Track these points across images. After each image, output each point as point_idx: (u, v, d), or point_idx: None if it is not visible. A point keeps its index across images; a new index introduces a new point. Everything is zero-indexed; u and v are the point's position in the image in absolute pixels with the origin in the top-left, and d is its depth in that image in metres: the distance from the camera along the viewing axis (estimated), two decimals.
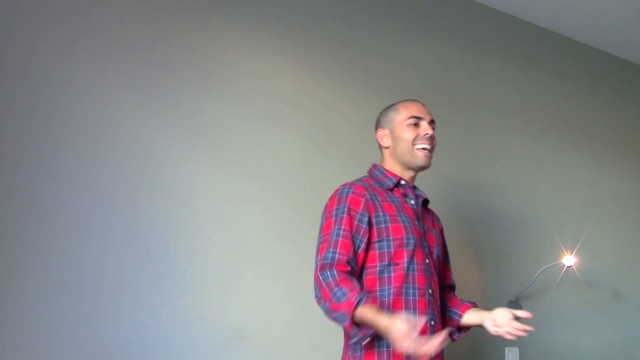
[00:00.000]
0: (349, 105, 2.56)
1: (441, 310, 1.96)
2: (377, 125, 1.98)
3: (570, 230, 3.03)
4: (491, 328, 1.85)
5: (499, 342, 2.76)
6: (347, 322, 1.61)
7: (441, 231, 2.04)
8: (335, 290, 1.64)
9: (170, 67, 2.24)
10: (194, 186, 2.20)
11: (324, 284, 1.66)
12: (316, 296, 1.69)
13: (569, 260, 2.87)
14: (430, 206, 2.05)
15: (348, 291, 1.62)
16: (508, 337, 1.82)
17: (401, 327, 1.54)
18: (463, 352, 2.67)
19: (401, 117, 1.92)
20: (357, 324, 1.62)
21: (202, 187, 2.22)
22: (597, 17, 3.23)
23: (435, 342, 1.54)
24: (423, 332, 1.73)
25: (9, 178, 1.93)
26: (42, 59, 2.04)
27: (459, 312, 1.96)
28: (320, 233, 1.79)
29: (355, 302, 1.60)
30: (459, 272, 2.72)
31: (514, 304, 2.82)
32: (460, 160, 2.87)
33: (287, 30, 2.51)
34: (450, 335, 1.95)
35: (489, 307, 2.76)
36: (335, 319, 1.65)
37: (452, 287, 2.05)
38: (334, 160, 2.16)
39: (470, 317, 1.94)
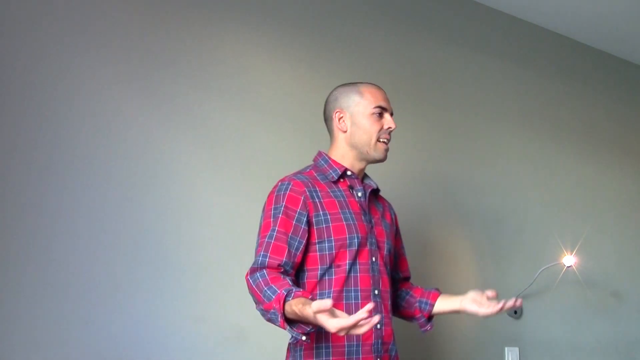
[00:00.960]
0: None
1: (397, 305, 1.89)
2: (334, 104, 1.82)
3: (570, 230, 3.03)
4: (480, 310, 1.76)
5: (499, 342, 2.77)
6: (279, 320, 1.49)
7: (393, 221, 1.91)
8: (265, 289, 1.54)
9: (169, 63, 2.24)
10: (193, 185, 2.20)
11: (254, 286, 1.58)
12: (254, 302, 1.60)
13: (569, 260, 2.87)
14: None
15: (278, 288, 1.52)
16: (494, 311, 1.73)
17: (315, 308, 1.39)
18: (463, 352, 2.67)
19: (366, 103, 1.78)
20: (290, 321, 1.51)
21: (202, 186, 2.21)
22: (597, 17, 3.23)
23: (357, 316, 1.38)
24: (367, 337, 1.65)
25: (9, 178, 1.92)
26: (43, 60, 2.04)
27: (429, 301, 1.86)
28: (258, 234, 1.69)
29: (284, 296, 1.49)
30: (458, 272, 2.73)
31: None
32: (460, 160, 2.87)
33: (288, 30, 2.51)
34: (422, 326, 1.89)
35: None
36: (270, 320, 1.54)
37: (407, 279, 1.96)
38: None
39: (443, 304, 1.84)
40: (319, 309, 1.38)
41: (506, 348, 2.77)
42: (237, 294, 2.18)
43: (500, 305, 1.73)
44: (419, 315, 1.88)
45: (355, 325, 1.38)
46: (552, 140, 3.19)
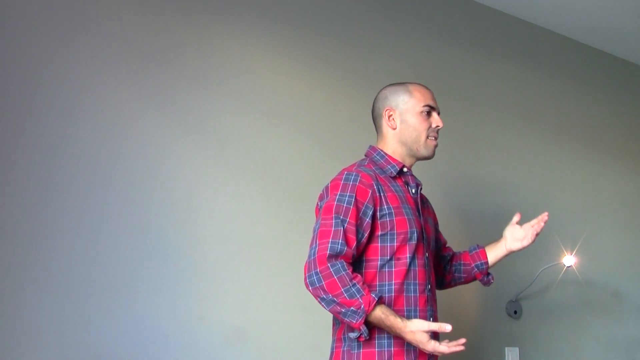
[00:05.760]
0: (349, 103, 2.56)
1: (457, 278, 2.04)
2: (384, 102, 1.89)
3: (570, 230, 3.03)
4: (522, 243, 1.98)
5: (499, 342, 2.77)
6: (359, 320, 1.58)
7: (434, 216, 2.02)
8: (349, 286, 1.59)
9: (171, 64, 2.24)
10: (194, 185, 2.20)
11: (336, 277, 1.59)
12: (312, 284, 1.61)
13: (569, 260, 2.87)
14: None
15: (361, 288, 1.59)
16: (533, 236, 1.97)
17: (421, 329, 1.60)
18: (463, 352, 2.67)
19: (415, 102, 1.86)
20: (367, 322, 1.60)
21: (202, 185, 2.22)
22: (597, 17, 3.23)
23: (454, 345, 1.61)
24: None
25: (6, 177, 1.92)
26: (39, 56, 2.04)
27: (482, 260, 2.01)
28: (320, 215, 1.71)
29: (375, 301, 1.58)
30: None
31: (514, 303, 2.82)
32: (460, 159, 2.87)
33: (288, 29, 2.51)
34: (487, 283, 2.05)
35: (489, 307, 2.77)
36: (342, 314, 1.60)
37: (446, 244, 2.09)
38: (334, 159, 2.15)
39: (494, 256, 2.01)
40: (433, 329, 1.60)
41: (506, 348, 2.77)
42: (237, 294, 2.19)
43: (534, 231, 1.97)
44: (481, 277, 2.03)
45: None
46: (552, 140, 3.19)
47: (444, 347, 1.59)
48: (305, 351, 2.22)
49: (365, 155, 1.90)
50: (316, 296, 1.63)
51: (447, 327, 1.58)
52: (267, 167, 2.34)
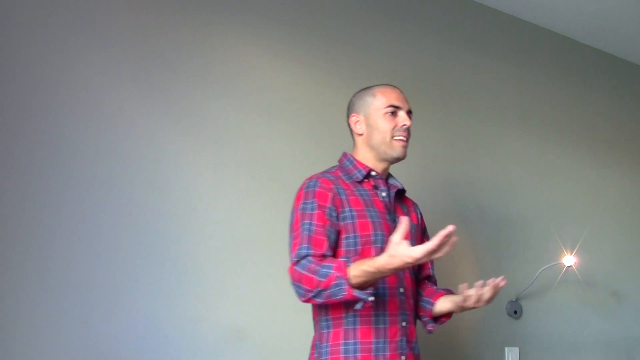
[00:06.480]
0: None
1: (416, 305, 1.85)
2: (351, 109, 1.88)
3: (570, 230, 3.03)
4: (467, 304, 1.73)
5: (499, 342, 2.77)
6: (345, 288, 1.52)
7: (419, 221, 1.93)
8: (319, 269, 1.57)
9: (171, 63, 2.24)
10: (193, 184, 2.20)
11: (304, 271, 1.58)
12: (300, 294, 1.60)
13: (569, 260, 2.87)
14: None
15: (330, 263, 1.57)
16: (476, 300, 1.73)
17: (393, 244, 1.47)
18: (463, 352, 2.67)
19: (378, 103, 1.81)
20: (356, 287, 1.53)
21: (202, 185, 2.21)
22: (597, 17, 3.23)
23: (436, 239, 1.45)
24: (393, 335, 1.69)
25: (5, 176, 1.92)
26: (39, 55, 2.03)
27: (431, 300, 1.83)
28: (290, 230, 1.71)
29: (344, 262, 1.54)
30: (458, 272, 2.72)
31: (514, 303, 2.82)
32: (460, 159, 2.87)
33: (288, 28, 2.51)
34: (425, 325, 1.86)
35: (489, 307, 2.76)
36: (331, 296, 1.55)
37: (429, 278, 1.93)
38: (335, 159, 2.15)
39: (442, 304, 1.81)
40: (403, 235, 1.46)
41: (506, 348, 2.77)
42: (237, 294, 2.19)
43: (491, 291, 1.74)
44: (421, 314, 1.86)
45: (438, 249, 1.46)
46: (552, 140, 3.19)
47: (431, 242, 1.45)
48: (305, 351, 2.21)
49: (338, 162, 1.88)
50: (309, 300, 1.62)
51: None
52: (267, 167, 2.34)
